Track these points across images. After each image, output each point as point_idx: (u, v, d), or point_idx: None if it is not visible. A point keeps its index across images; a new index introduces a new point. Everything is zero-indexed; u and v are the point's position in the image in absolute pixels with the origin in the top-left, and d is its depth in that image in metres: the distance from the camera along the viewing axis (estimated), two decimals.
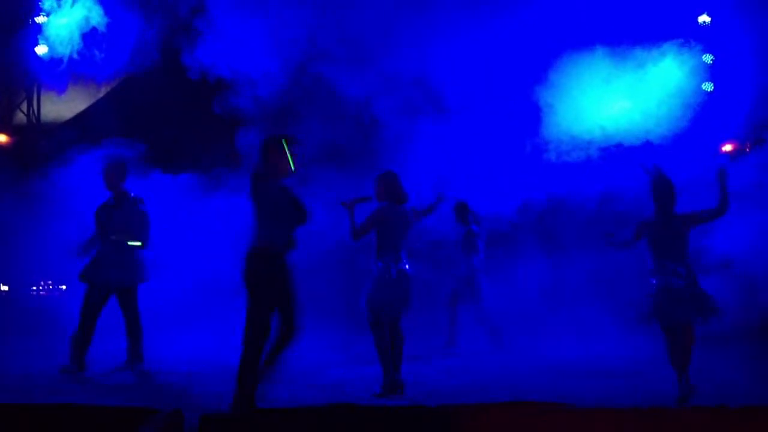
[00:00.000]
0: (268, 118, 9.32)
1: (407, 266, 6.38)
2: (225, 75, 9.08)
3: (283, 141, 5.34)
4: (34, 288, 12.37)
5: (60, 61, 9.90)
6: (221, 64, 9.04)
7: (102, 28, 9.69)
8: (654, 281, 5.95)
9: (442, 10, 8.81)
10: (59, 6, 9.98)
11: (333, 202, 6.66)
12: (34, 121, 12.58)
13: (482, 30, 8.63)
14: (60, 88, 10.70)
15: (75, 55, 9.81)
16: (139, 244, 7.31)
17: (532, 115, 8.49)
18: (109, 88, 11.91)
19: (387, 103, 9.03)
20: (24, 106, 12.65)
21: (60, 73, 9.98)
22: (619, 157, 8.01)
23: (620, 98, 8.20)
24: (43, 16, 10.36)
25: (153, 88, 9.97)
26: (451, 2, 8.84)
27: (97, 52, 9.70)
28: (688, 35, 8.65)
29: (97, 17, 9.70)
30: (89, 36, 9.77)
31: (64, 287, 12.38)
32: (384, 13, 8.59)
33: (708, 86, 8.87)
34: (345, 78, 8.91)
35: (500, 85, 8.62)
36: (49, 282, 12.40)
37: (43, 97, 12.52)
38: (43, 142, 11.94)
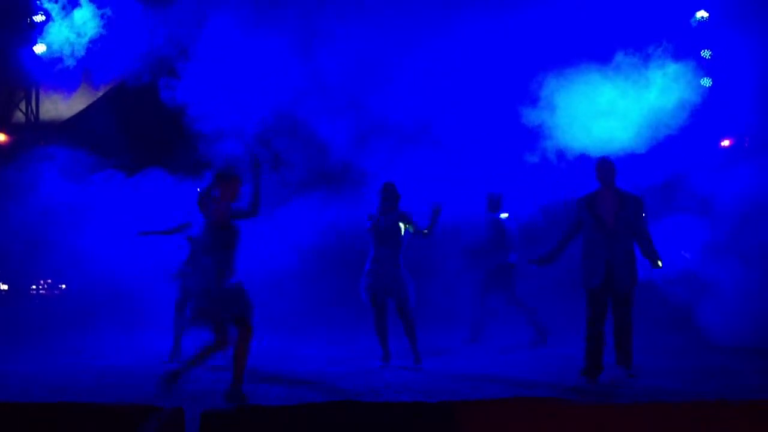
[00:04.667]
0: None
1: None
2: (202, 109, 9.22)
3: None
4: (34, 287, 12.37)
5: (62, 60, 9.87)
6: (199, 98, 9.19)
7: (106, 31, 9.75)
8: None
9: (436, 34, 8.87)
10: (64, 5, 9.96)
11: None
12: (32, 119, 12.56)
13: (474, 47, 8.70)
14: (68, 89, 10.69)
15: (81, 54, 9.81)
16: None
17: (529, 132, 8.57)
18: (107, 89, 11.87)
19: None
20: (23, 105, 12.63)
21: (68, 73, 9.96)
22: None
23: (619, 107, 8.22)
24: (41, 14, 10.32)
25: (148, 95, 9.95)
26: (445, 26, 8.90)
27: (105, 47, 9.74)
28: (685, 32, 8.67)
29: (102, 19, 9.76)
30: (96, 35, 9.80)
31: (63, 286, 12.38)
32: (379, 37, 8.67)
33: (706, 82, 8.88)
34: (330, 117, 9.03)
35: (495, 104, 8.70)
36: (48, 281, 12.40)
37: (41, 96, 12.49)
38: (41, 142, 11.97)
